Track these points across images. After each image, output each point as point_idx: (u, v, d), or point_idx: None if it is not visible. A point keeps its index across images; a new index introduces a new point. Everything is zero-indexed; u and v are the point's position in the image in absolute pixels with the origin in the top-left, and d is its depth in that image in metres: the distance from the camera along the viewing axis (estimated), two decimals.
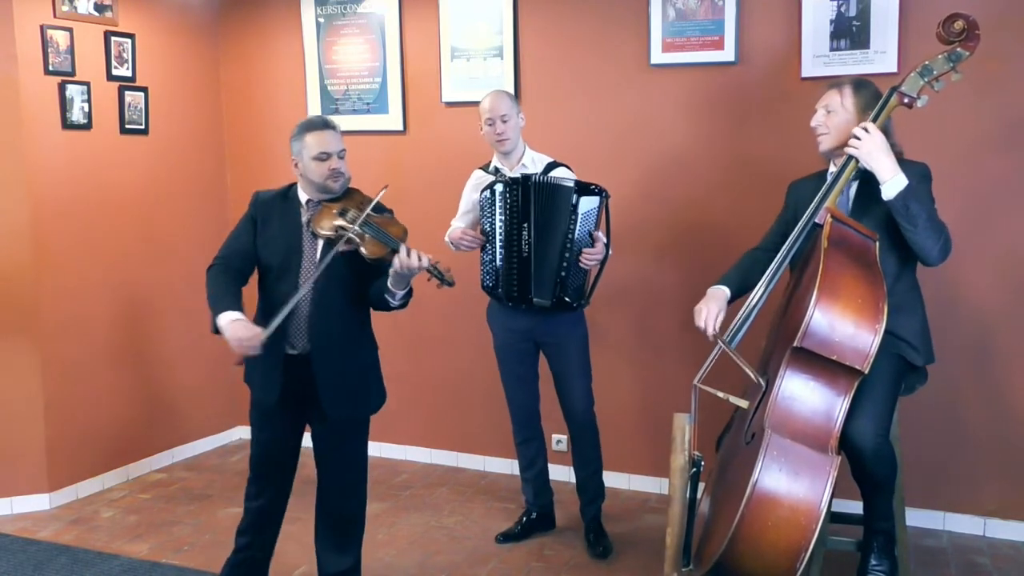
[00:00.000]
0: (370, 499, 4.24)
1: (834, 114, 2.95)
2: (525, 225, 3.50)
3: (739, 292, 3.09)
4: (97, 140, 4.42)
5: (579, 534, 3.83)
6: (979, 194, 3.66)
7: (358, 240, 2.89)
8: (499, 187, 3.53)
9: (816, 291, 2.58)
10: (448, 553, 3.74)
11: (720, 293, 3.07)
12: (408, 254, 2.81)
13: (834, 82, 3.03)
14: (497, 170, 3.64)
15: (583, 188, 3.45)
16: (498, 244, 3.57)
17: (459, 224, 3.79)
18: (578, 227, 3.44)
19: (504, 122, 3.55)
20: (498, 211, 3.55)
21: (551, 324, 3.60)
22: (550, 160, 3.66)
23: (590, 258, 3.44)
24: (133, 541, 3.89)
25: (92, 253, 4.42)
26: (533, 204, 3.49)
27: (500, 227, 3.55)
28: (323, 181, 2.96)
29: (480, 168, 3.75)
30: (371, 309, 3.14)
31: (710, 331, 2.96)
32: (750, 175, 4.00)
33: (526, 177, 3.51)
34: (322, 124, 2.98)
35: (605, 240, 3.48)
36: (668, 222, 4.15)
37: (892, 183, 2.74)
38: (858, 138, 2.78)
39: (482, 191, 3.60)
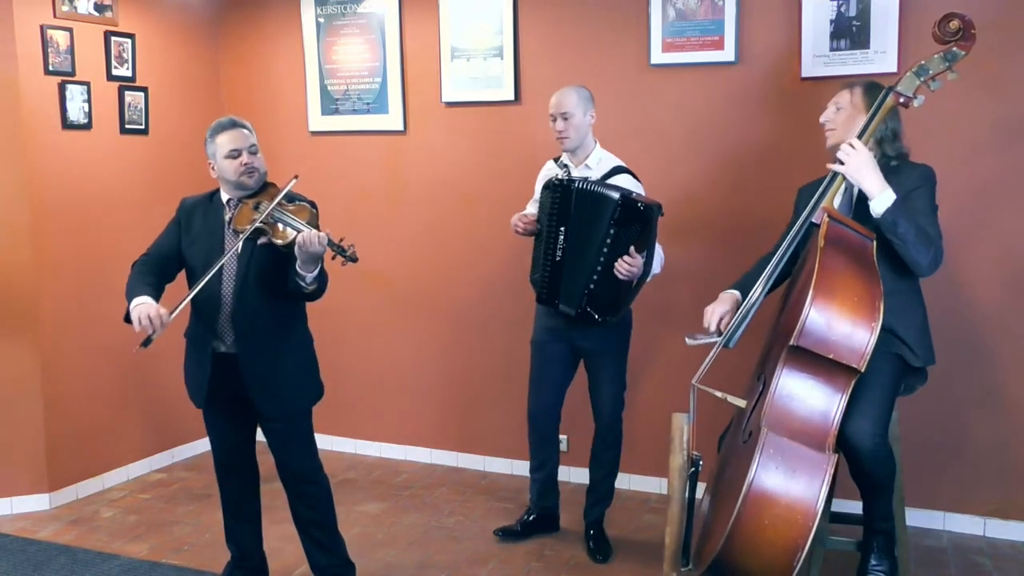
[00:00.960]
0: (370, 499, 4.28)
1: (843, 111, 3.01)
2: (562, 229, 3.45)
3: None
4: (97, 140, 4.42)
5: (580, 534, 3.82)
6: (977, 193, 3.66)
7: (268, 230, 2.96)
8: (548, 187, 3.49)
9: (812, 290, 2.59)
10: (448, 553, 3.73)
11: (730, 296, 3.09)
12: (307, 234, 2.86)
13: (848, 82, 3.10)
14: (565, 165, 3.59)
15: (628, 202, 3.31)
16: (543, 242, 3.53)
17: (531, 210, 3.74)
18: (615, 241, 3.33)
19: (565, 119, 3.49)
20: (546, 209, 3.50)
21: (591, 331, 3.54)
22: (617, 164, 3.56)
23: (625, 267, 3.31)
24: (133, 541, 3.89)
25: (92, 253, 4.42)
26: (573, 209, 3.42)
27: (545, 226, 3.51)
28: (237, 178, 3.02)
29: (553, 159, 3.69)
30: (301, 302, 3.15)
31: (711, 329, 3.01)
32: (750, 175, 4.00)
33: (571, 180, 3.44)
34: (230, 124, 3.06)
35: (643, 258, 3.34)
36: (667, 222, 4.12)
37: (880, 199, 2.76)
38: (846, 154, 2.80)
39: (544, 187, 3.55)
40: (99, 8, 4.37)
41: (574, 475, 4.36)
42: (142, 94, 4.60)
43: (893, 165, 2.93)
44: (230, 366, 3.04)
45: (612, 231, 3.33)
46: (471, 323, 4.60)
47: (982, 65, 3.36)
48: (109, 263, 4.49)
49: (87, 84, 4.32)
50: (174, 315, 2.91)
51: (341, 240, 2.95)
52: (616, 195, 3.33)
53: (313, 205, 3.09)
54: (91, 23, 4.35)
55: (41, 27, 4.13)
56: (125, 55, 4.51)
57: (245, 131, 3.05)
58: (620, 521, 3.95)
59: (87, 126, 4.35)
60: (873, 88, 2.98)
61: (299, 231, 2.91)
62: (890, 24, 3.69)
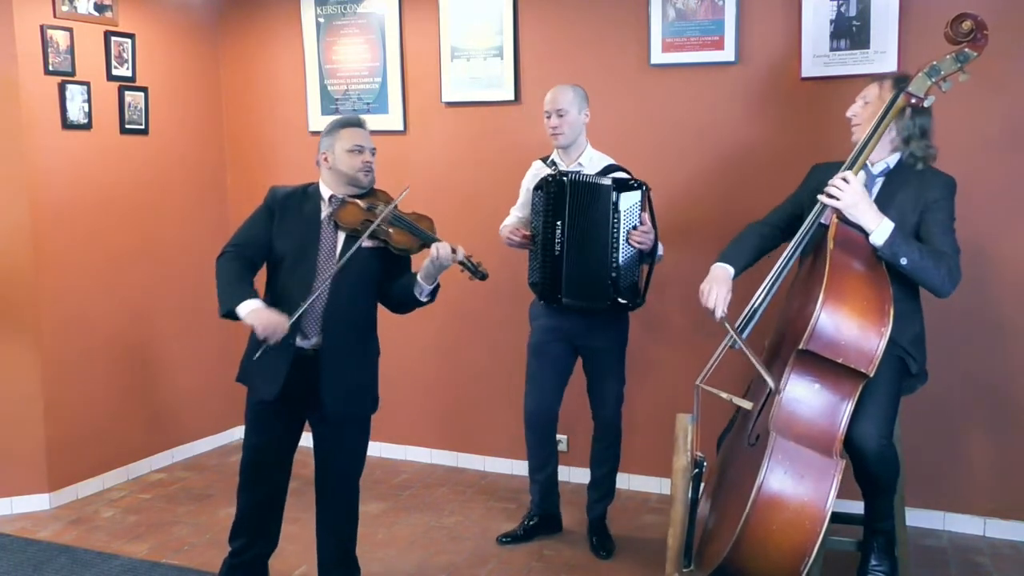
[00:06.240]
0: (370, 499, 4.28)
1: (869, 105, 2.95)
2: (559, 224, 3.46)
3: (743, 268, 3.05)
4: (97, 140, 4.41)
5: (580, 534, 3.83)
6: (982, 195, 3.65)
7: (386, 231, 2.95)
8: (538, 188, 3.51)
9: (822, 293, 2.57)
10: (448, 553, 3.74)
11: (724, 273, 3.01)
12: (443, 246, 2.91)
13: (878, 76, 3.04)
14: (554, 163, 3.60)
15: (622, 184, 3.40)
16: (539, 242, 3.54)
17: (518, 214, 3.76)
18: (622, 224, 3.40)
19: (560, 116, 3.52)
20: (540, 208, 3.51)
21: (593, 328, 3.55)
22: (610, 162, 3.59)
23: (639, 236, 3.39)
24: (133, 541, 3.88)
25: (92, 253, 4.42)
26: (568, 203, 3.44)
27: (540, 224, 3.52)
28: (355, 173, 3.02)
29: (540, 159, 3.70)
30: (389, 310, 3.16)
31: (719, 313, 2.93)
32: (750, 175, 4.00)
33: (563, 174, 3.46)
34: (357, 121, 3.09)
35: (651, 225, 3.43)
36: (668, 222, 4.13)
37: (878, 232, 2.73)
38: (839, 189, 2.75)
39: (535, 188, 3.55)
40: (99, 8, 4.37)
41: (574, 475, 4.36)
42: (142, 94, 4.60)
43: (918, 169, 2.88)
44: (306, 363, 2.98)
45: (616, 216, 3.39)
46: (471, 323, 4.60)
47: (988, 65, 3.35)
48: (109, 263, 4.50)
49: (87, 84, 4.32)
50: (292, 320, 2.86)
51: (470, 256, 2.99)
52: (608, 182, 3.42)
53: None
54: (91, 23, 4.34)
55: (41, 27, 4.12)
56: (125, 55, 4.51)
57: (367, 133, 3.08)
58: (621, 521, 3.95)
59: (87, 126, 4.35)
60: (902, 81, 2.91)
61: (427, 240, 2.94)
62: (890, 24, 3.70)
